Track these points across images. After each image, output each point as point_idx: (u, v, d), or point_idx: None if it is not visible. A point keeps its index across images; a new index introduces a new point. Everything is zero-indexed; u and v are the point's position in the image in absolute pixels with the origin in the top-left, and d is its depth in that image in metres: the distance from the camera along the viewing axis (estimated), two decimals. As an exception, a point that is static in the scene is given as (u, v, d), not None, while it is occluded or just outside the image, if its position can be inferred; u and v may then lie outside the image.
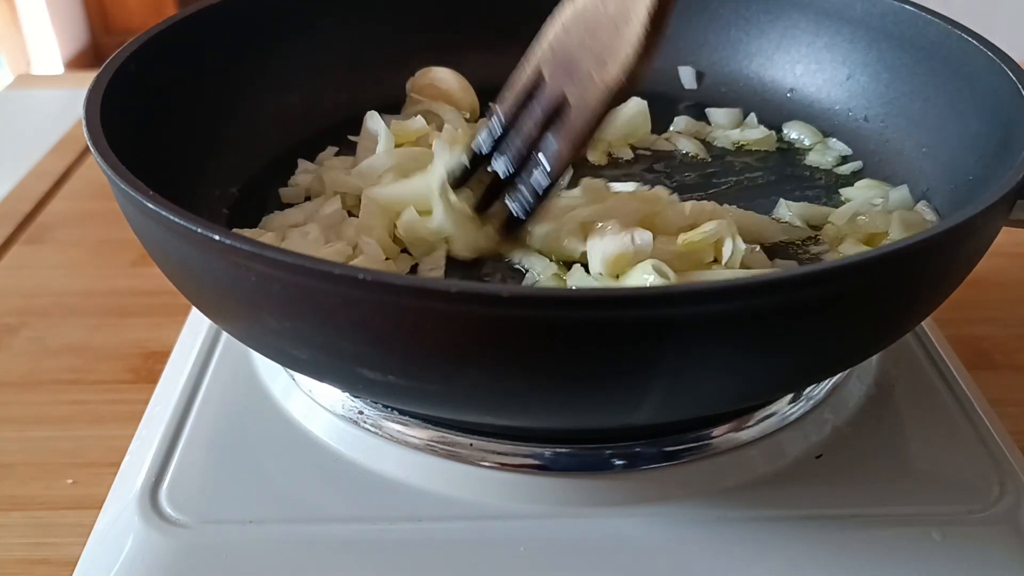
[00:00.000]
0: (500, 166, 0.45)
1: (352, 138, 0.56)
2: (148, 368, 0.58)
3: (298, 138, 0.56)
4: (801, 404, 0.44)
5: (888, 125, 0.55)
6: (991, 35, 0.49)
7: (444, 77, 0.59)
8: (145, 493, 0.41)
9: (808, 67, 0.60)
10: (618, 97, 0.42)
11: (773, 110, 0.60)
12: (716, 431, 0.42)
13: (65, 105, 0.97)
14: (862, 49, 0.57)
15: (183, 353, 0.50)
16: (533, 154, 0.45)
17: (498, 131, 0.46)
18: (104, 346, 0.60)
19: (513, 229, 0.45)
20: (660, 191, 0.49)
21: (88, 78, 0.44)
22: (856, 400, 0.46)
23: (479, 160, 0.46)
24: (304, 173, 0.53)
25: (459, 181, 0.46)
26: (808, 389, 0.45)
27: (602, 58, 0.42)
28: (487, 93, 0.54)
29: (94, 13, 2.95)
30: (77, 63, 2.84)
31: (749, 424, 0.43)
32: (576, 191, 0.49)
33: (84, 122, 0.39)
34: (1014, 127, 0.43)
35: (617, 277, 0.44)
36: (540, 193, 0.44)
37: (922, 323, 0.50)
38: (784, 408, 0.44)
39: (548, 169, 0.44)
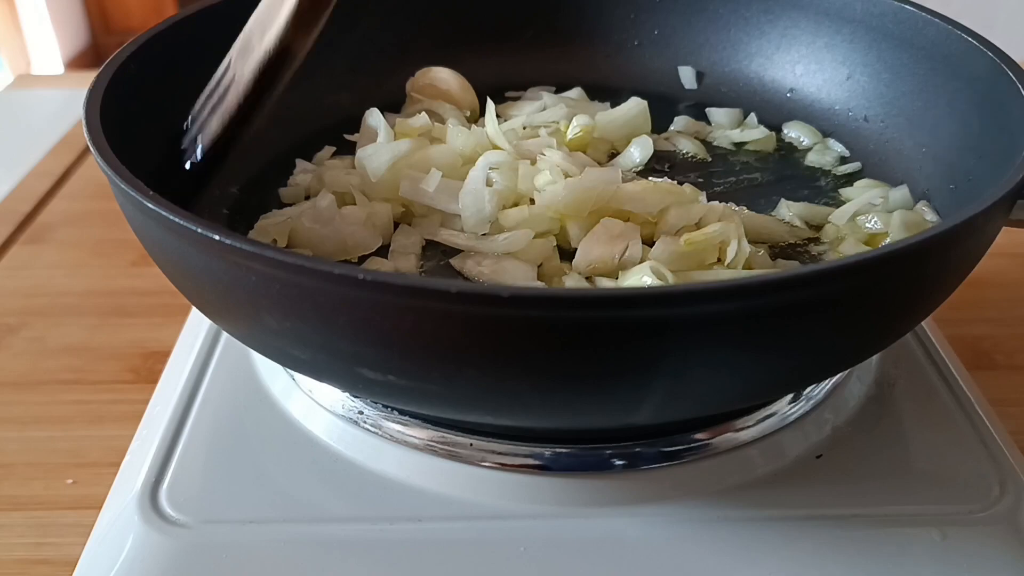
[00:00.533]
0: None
1: (350, 137, 0.56)
2: (148, 368, 0.58)
3: (298, 138, 0.56)
4: (801, 404, 0.44)
5: (888, 125, 0.55)
6: (991, 35, 0.49)
7: (444, 77, 0.59)
8: (145, 493, 0.41)
9: (808, 67, 0.59)
10: (274, 66, 0.41)
11: (773, 110, 0.60)
12: (716, 431, 0.42)
13: (65, 105, 0.97)
14: (862, 49, 0.57)
15: (183, 353, 0.50)
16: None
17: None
18: (104, 346, 0.60)
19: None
20: (688, 189, 0.49)
21: (88, 78, 0.44)
22: (856, 400, 0.46)
23: None
24: (303, 173, 0.53)
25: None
26: (808, 389, 0.45)
27: (265, 28, 0.41)
28: (487, 93, 0.54)
29: (94, 13, 2.95)
30: (77, 63, 2.83)
31: (749, 424, 0.43)
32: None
33: (84, 122, 0.39)
34: (1014, 127, 0.43)
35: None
36: (192, 170, 0.43)
37: (922, 323, 0.50)
38: (784, 408, 0.44)
39: (199, 147, 0.43)
